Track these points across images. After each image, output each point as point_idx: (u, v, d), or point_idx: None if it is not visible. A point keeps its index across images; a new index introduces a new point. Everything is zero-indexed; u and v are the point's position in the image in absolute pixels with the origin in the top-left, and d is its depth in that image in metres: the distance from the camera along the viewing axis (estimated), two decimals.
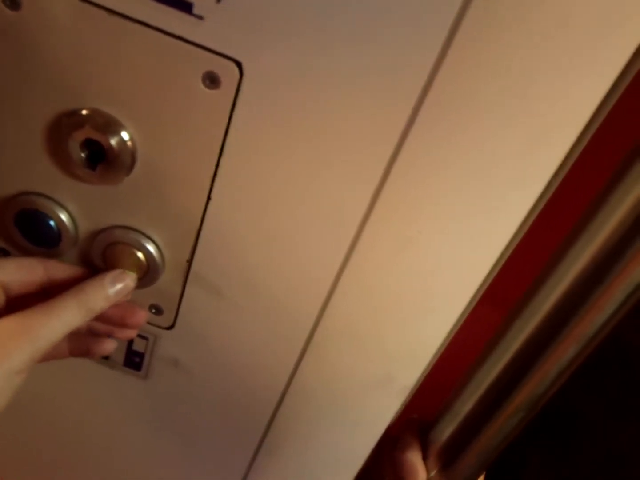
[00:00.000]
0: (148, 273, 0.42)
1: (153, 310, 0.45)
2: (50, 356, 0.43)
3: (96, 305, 0.39)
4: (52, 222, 0.41)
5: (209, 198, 0.39)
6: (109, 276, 0.41)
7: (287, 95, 0.35)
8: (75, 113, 0.37)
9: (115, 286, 0.41)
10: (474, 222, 0.38)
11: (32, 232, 0.42)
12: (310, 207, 0.38)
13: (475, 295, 0.42)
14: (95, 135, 0.37)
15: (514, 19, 0.30)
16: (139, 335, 0.47)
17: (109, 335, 0.44)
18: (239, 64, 0.34)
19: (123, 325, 0.44)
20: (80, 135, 0.37)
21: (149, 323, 0.46)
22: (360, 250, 0.39)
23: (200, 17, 0.33)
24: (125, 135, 0.37)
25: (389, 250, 0.39)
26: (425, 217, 0.38)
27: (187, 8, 0.33)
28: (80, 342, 0.44)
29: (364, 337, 0.44)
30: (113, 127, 0.37)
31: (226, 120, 0.36)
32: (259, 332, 0.45)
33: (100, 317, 0.43)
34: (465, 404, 0.52)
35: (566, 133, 0.34)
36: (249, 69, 0.34)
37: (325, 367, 0.46)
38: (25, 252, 0.43)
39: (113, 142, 0.37)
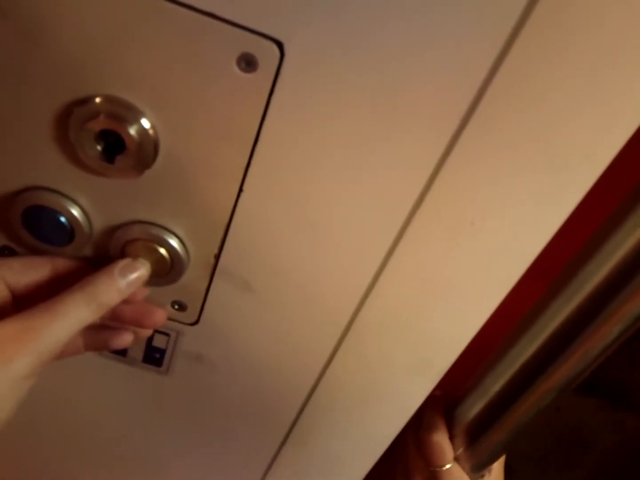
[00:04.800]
0: (172, 270, 0.39)
1: (176, 307, 0.42)
2: (66, 353, 0.39)
3: (107, 300, 0.36)
4: (62, 219, 0.37)
5: (240, 190, 0.36)
6: (118, 266, 0.37)
7: (334, 79, 0.31)
8: (87, 101, 0.33)
9: (127, 277, 0.37)
10: (527, 214, 0.35)
11: (41, 230, 0.38)
12: (354, 198, 0.35)
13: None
14: (112, 125, 0.33)
15: None
16: (160, 332, 0.44)
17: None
18: (279, 44, 0.30)
19: (140, 326, 0.41)
20: (94, 126, 0.33)
21: (170, 319, 0.43)
22: (405, 244, 0.37)
23: None
24: (145, 123, 0.33)
25: (439, 241, 0.36)
26: (479, 208, 0.35)
27: None
28: (95, 336, 0.41)
29: (404, 327, 0.41)
30: (131, 114, 0.33)
31: (263, 106, 0.32)
32: (291, 328, 0.42)
33: (114, 317, 0.39)
34: (496, 382, 0.51)
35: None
36: (291, 50, 0.30)
37: (360, 359, 0.44)
38: (35, 252, 0.39)
39: (132, 131, 0.33)
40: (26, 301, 0.36)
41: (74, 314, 0.34)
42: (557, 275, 0.45)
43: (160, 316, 0.40)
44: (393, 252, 0.37)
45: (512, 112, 0.31)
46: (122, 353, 0.46)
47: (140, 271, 0.37)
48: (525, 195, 0.34)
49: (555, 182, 0.34)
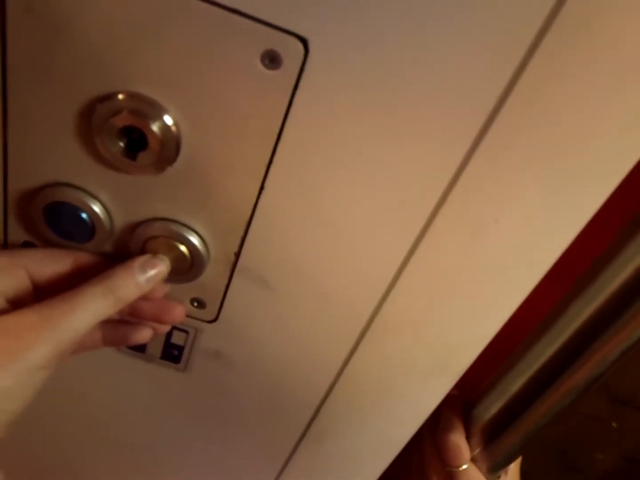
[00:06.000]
0: (192, 268, 0.39)
1: (195, 304, 0.42)
2: (84, 347, 0.40)
3: (126, 294, 0.36)
4: (84, 215, 0.37)
5: (262, 188, 0.35)
6: (138, 262, 0.37)
7: (359, 77, 0.31)
8: (110, 98, 0.33)
9: (147, 273, 0.37)
10: (551, 213, 0.35)
11: (62, 226, 0.38)
12: (376, 198, 0.35)
13: None
14: (135, 122, 0.33)
15: None
16: (179, 329, 0.44)
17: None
18: (304, 41, 0.30)
19: (158, 321, 0.41)
20: (117, 123, 0.33)
21: (189, 316, 0.43)
22: (428, 242, 0.36)
23: None
24: (168, 119, 0.33)
25: (461, 239, 0.36)
26: (503, 206, 0.35)
27: None
28: (114, 331, 0.41)
29: (423, 328, 0.41)
30: (154, 111, 0.33)
31: (286, 104, 0.32)
32: (310, 327, 0.42)
33: (133, 313, 0.40)
34: (514, 383, 0.51)
35: None
36: (316, 47, 0.30)
37: (379, 358, 0.43)
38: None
39: (155, 128, 0.33)
40: (46, 292, 0.36)
41: (92, 307, 0.34)
42: (579, 276, 0.44)
43: (179, 312, 0.40)
44: (414, 252, 0.37)
45: (538, 113, 0.31)
46: (140, 349, 0.46)
47: (159, 267, 0.38)
48: (550, 194, 0.34)
49: (580, 183, 0.33)
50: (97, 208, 0.37)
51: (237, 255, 0.39)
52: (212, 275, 0.40)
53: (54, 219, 0.37)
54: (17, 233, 0.39)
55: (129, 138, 0.34)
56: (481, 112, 0.31)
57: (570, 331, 0.46)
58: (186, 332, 0.44)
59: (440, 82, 0.30)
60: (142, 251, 0.38)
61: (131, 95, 0.33)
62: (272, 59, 0.30)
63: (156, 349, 0.46)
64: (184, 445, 0.54)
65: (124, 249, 0.39)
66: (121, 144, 0.33)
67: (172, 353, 0.46)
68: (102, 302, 0.35)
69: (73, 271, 0.38)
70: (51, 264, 0.37)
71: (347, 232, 0.37)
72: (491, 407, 0.53)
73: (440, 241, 0.36)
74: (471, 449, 0.54)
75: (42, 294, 0.37)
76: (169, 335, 0.45)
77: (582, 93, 0.30)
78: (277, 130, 0.33)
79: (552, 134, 0.32)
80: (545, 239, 0.36)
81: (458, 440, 0.52)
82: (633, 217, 0.40)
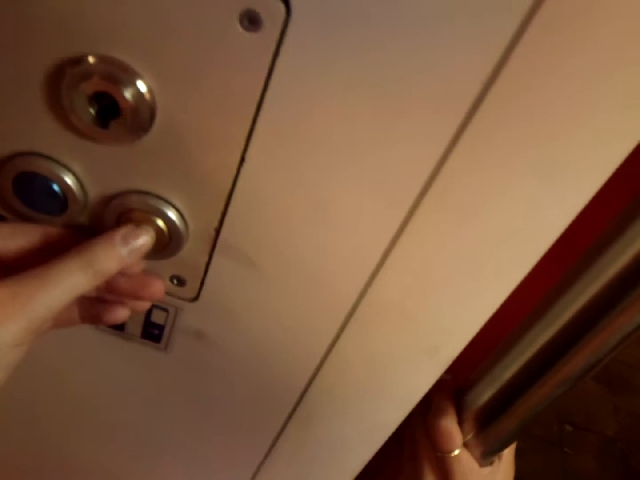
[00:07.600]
0: (170, 243, 0.37)
1: (175, 282, 0.40)
2: (60, 323, 0.38)
3: (106, 267, 0.33)
4: (55, 187, 0.35)
5: (242, 159, 0.33)
6: (120, 233, 0.35)
7: (344, 42, 0.28)
8: (80, 61, 0.30)
9: (129, 244, 0.35)
10: (545, 197, 0.33)
11: (32, 197, 0.36)
12: (363, 171, 0.33)
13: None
14: (106, 87, 0.31)
15: None
16: (159, 307, 0.43)
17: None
18: (285, 1, 0.28)
19: (137, 298, 0.39)
20: (88, 88, 0.31)
21: (169, 294, 0.41)
22: (417, 221, 0.34)
23: None
24: (142, 86, 0.31)
25: (450, 221, 0.34)
26: (493, 189, 0.33)
27: None
28: (91, 308, 0.39)
29: (412, 310, 0.39)
30: (127, 76, 0.31)
31: (267, 68, 0.30)
32: (294, 306, 0.40)
33: (109, 289, 0.38)
34: (509, 368, 0.49)
35: None
36: (298, 8, 0.28)
37: (366, 341, 0.42)
38: (27, 221, 0.37)
39: (127, 94, 0.31)
40: (14, 268, 0.34)
41: (68, 281, 0.32)
42: (576, 260, 0.43)
43: (158, 287, 0.38)
44: (402, 232, 0.35)
45: (527, 98, 0.29)
46: (120, 328, 0.45)
47: (143, 238, 0.35)
48: (544, 178, 0.32)
49: (572, 169, 0.32)
50: (69, 179, 0.35)
51: (218, 230, 0.37)
52: (191, 252, 0.38)
53: (23, 190, 0.35)
54: None
55: (101, 105, 0.31)
56: (469, 92, 0.29)
57: (566, 317, 0.44)
58: (166, 310, 0.42)
59: (429, 58, 0.28)
60: (117, 225, 0.36)
61: (102, 59, 0.30)
62: (251, 20, 0.28)
63: (136, 328, 0.44)
64: (165, 426, 0.53)
65: (98, 222, 0.37)
66: (92, 111, 0.31)
67: (152, 332, 0.44)
68: (79, 277, 0.33)
69: (43, 246, 0.36)
70: (19, 238, 0.35)
71: (333, 209, 0.35)
72: (485, 392, 0.51)
73: (428, 223, 0.34)
74: (463, 435, 0.52)
75: (9, 270, 0.35)
76: (148, 313, 0.43)
77: (570, 78, 0.28)
78: (257, 98, 0.31)
79: (541, 119, 0.30)
80: (540, 223, 0.35)
81: (450, 425, 0.51)
82: (630, 204, 0.38)
